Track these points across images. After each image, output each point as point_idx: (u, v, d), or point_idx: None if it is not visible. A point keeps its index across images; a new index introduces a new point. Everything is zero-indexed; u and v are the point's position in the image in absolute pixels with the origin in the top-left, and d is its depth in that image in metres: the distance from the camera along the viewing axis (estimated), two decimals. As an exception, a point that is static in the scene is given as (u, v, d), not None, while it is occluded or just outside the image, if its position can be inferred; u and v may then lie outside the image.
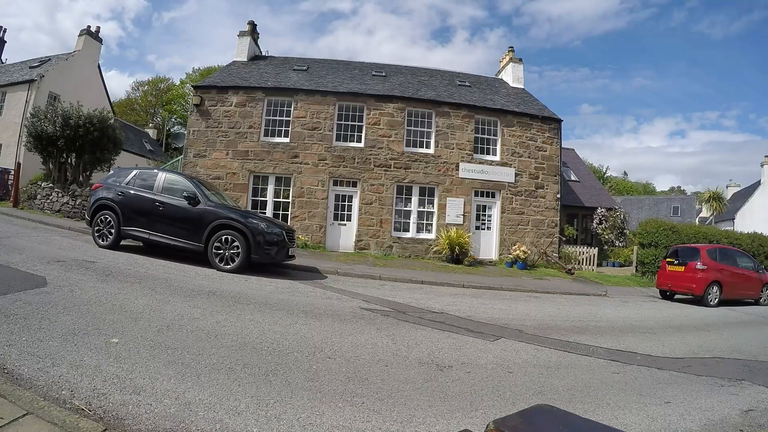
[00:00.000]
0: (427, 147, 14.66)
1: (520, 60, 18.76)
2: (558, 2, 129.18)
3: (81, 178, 14.72)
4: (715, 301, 10.67)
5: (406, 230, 14.36)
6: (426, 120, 14.78)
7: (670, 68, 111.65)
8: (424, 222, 14.46)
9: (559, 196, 15.15)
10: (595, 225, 18.72)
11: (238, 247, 7.44)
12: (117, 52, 76.63)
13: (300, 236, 12.63)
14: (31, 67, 21.56)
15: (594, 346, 5.12)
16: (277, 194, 14.12)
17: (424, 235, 14.31)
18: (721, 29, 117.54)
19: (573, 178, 21.25)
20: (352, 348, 3.95)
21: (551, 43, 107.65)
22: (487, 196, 14.83)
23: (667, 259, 11.73)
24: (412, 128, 14.69)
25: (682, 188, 61.69)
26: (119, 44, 77.70)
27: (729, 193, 34.34)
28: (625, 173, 62.62)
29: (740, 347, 5.90)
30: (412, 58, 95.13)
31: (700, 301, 10.69)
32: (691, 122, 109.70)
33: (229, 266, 7.37)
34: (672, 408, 3.31)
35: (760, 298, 11.84)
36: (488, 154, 14.96)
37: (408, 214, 14.41)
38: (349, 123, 14.48)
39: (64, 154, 14.34)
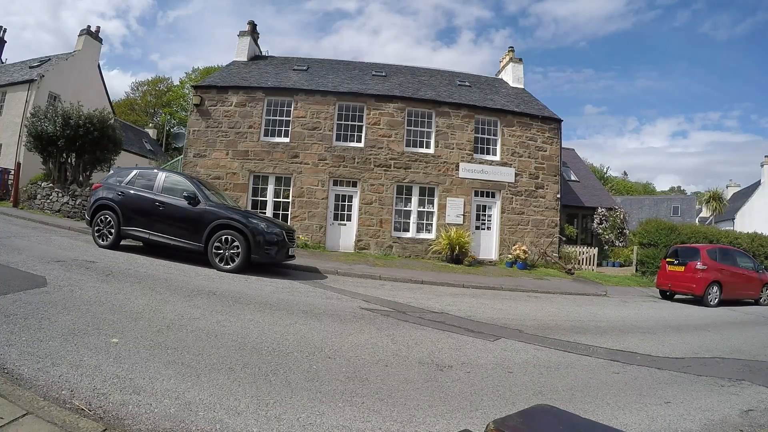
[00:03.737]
0: (427, 147, 14.66)
1: (520, 60, 18.75)
2: (564, 3, 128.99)
3: (81, 178, 14.72)
4: (715, 301, 10.67)
5: (406, 230, 14.36)
6: (426, 120, 14.77)
7: (674, 69, 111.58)
8: (424, 222, 14.45)
9: (559, 196, 15.14)
10: (595, 225, 18.72)
11: (238, 247, 7.43)
12: (121, 51, 76.50)
13: (300, 236, 12.62)
14: (31, 67, 21.56)
15: (594, 346, 5.12)
16: (277, 194, 14.11)
17: (424, 235, 14.30)
18: (725, 31, 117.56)
19: (573, 178, 21.24)
20: (352, 348, 3.95)
21: (556, 44, 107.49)
22: (487, 196, 14.82)
23: (667, 259, 11.73)
24: (412, 128, 14.69)
25: (682, 188, 61.67)
26: (123, 43, 77.60)
27: (729, 193, 34.33)
28: (625, 173, 62.53)
29: (740, 347, 5.90)
30: (417, 59, 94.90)
31: (700, 301, 10.69)
32: (693, 123, 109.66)
33: (229, 266, 7.37)
34: (672, 408, 3.31)
35: (760, 298, 11.84)
36: (488, 154, 14.95)
37: (408, 214, 14.40)
38: (349, 123, 14.47)
39: (64, 154, 14.33)
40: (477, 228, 14.69)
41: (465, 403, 3.00)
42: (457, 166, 14.47)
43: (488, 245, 14.75)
